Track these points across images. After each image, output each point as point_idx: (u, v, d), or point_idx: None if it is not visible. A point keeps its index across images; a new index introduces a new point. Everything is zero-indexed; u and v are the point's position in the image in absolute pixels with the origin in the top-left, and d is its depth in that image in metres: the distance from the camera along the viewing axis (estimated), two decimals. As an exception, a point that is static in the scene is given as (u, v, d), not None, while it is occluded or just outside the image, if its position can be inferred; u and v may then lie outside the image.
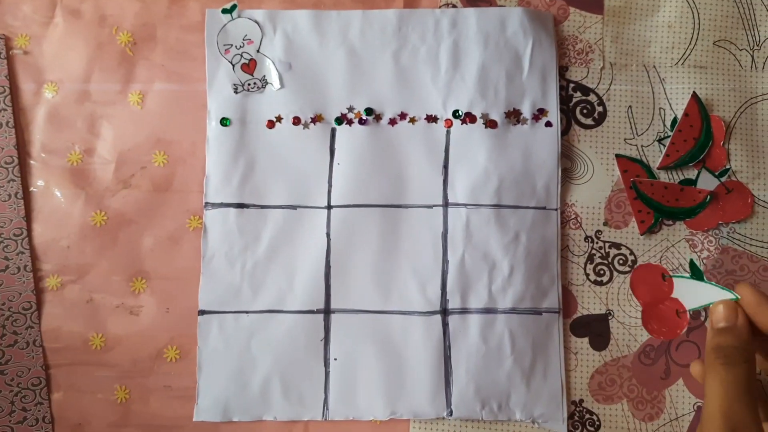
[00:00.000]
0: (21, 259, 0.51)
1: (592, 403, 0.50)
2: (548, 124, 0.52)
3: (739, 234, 0.51)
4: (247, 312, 0.51)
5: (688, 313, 0.44)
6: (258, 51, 0.52)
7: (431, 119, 0.52)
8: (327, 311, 0.51)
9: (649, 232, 0.51)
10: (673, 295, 0.44)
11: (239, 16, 0.52)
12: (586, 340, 0.51)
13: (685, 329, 0.45)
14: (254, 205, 0.51)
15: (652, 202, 0.50)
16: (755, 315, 0.38)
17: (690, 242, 0.51)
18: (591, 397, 0.50)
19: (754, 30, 0.53)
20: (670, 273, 0.45)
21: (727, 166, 0.51)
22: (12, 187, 0.51)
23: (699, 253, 0.51)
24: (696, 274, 0.43)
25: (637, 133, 0.52)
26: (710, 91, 0.52)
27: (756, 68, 0.52)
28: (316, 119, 0.52)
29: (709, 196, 0.50)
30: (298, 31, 0.52)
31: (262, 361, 0.50)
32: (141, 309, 0.51)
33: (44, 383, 0.50)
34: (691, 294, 0.43)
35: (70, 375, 0.51)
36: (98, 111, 0.52)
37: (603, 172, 0.52)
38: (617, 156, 0.51)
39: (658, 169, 0.51)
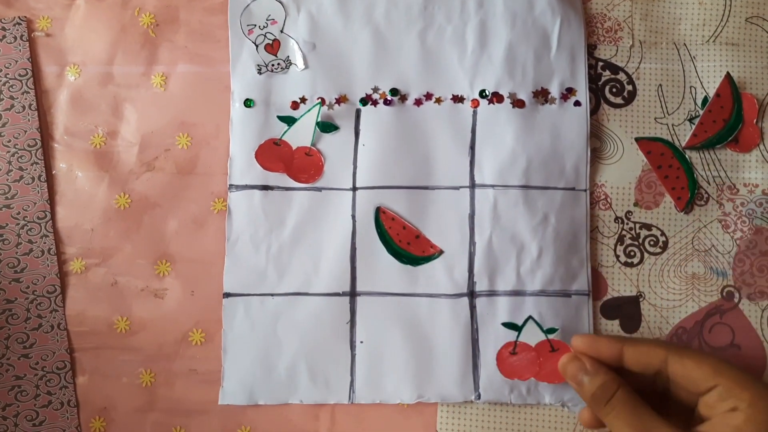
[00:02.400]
0: (45, 243, 0.50)
1: (623, 386, 0.49)
2: (577, 103, 0.51)
3: (774, 214, 0.50)
4: (272, 295, 0.50)
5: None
6: (282, 31, 0.51)
7: (457, 99, 0.51)
8: (353, 294, 0.50)
9: (688, 209, 0.50)
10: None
11: (263, -4, 0.51)
12: (616, 322, 0.50)
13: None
14: (279, 187, 0.51)
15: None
16: (599, 356, 0.43)
17: (723, 222, 0.50)
18: (622, 380, 0.49)
19: (788, 5, 0.51)
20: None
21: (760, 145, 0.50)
22: (35, 170, 0.51)
23: (732, 234, 0.50)
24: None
25: (667, 112, 0.51)
26: (742, 69, 0.51)
27: (790, 45, 0.51)
28: (341, 100, 0.51)
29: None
30: (322, 11, 0.51)
31: (288, 345, 0.50)
32: (166, 292, 0.51)
33: (69, 367, 0.50)
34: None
35: (94, 359, 0.50)
36: (121, 93, 0.52)
37: (633, 151, 0.51)
38: (637, 140, 0.50)
39: (684, 148, 0.50)
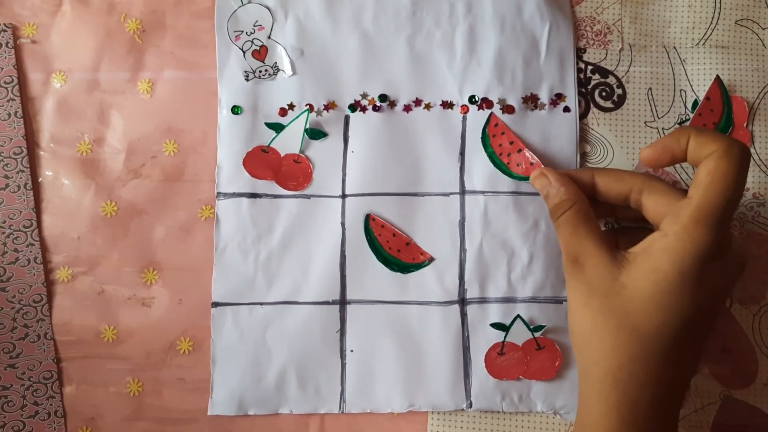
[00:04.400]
0: (31, 251, 0.50)
1: (615, 393, 0.49)
2: (566, 109, 0.50)
3: (765, 218, 0.50)
4: (261, 303, 0.50)
5: None
6: (269, 37, 0.51)
7: (447, 105, 0.51)
8: (343, 302, 0.50)
9: None
10: None
11: (250, 2, 0.51)
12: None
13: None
14: (267, 195, 0.50)
15: None
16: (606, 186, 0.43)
17: (714, 227, 0.50)
18: (614, 387, 0.49)
19: (777, 9, 0.51)
20: None
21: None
22: (21, 178, 0.50)
23: (723, 239, 0.49)
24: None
25: (657, 116, 0.51)
26: (733, 72, 0.51)
27: (780, 48, 0.51)
28: (329, 106, 0.51)
29: None
30: (310, 17, 0.51)
31: (278, 354, 0.49)
32: (153, 300, 0.50)
33: (56, 377, 0.49)
34: None
35: (82, 368, 0.50)
36: (107, 100, 0.51)
37: (623, 155, 0.50)
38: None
39: None
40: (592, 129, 0.51)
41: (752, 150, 0.50)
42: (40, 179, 0.51)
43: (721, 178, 0.35)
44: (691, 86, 0.51)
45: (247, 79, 0.51)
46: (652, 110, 0.51)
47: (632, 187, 0.41)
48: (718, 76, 0.50)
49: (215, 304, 0.50)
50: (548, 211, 0.44)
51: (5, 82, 0.51)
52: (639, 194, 0.41)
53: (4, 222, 0.50)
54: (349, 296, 0.50)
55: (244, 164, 0.50)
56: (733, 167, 0.35)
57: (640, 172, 0.42)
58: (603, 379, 0.37)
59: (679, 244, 0.35)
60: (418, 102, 0.51)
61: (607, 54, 0.51)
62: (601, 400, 0.37)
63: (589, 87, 0.51)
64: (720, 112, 0.50)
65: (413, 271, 0.50)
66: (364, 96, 0.51)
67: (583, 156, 0.50)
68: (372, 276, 0.50)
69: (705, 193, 0.35)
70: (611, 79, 0.51)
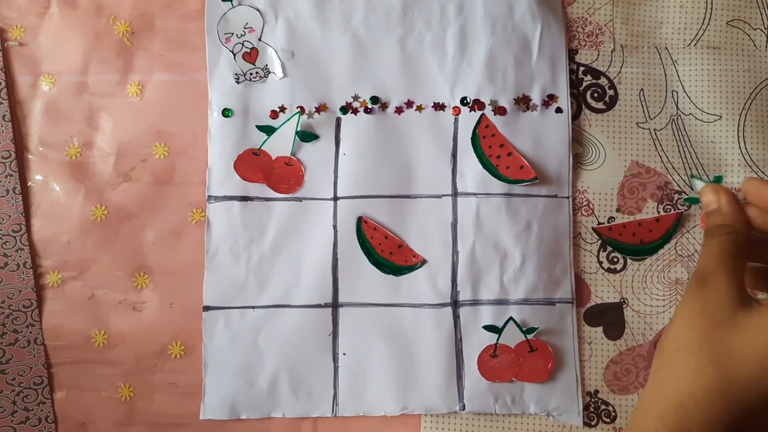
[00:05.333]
0: (20, 256, 0.49)
1: (607, 394, 0.49)
2: (558, 110, 0.50)
3: (757, 219, 0.50)
4: (253, 307, 0.49)
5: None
6: (260, 39, 0.51)
7: (438, 107, 0.51)
8: (335, 305, 0.49)
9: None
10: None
11: (240, 4, 0.51)
12: (600, 329, 0.49)
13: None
14: (258, 198, 0.50)
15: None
16: (758, 199, 0.38)
17: (706, 228, 0.50)
18: (606, 388, 0.49)
19: (768, 9, 0.51)
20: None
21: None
22: (10, 182, 0.50)
23: (715, 239, 0.50)
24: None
25: (649, 117, 0.51)
26: (724, 73, 0.51)
27: (771, 48, 0.51)
28: (321, 109, 0.51)
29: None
30: (300, 19, 0.51)
31: (270, 357, 0.49)
32: (144, 305, 0.50)
33: (46, 382, 0.49)
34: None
35: (72, 373, 0.49)
36: (97, 103, 0.51)
37: (615, 157, 0.50)
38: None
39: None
40: (584, 130, 0.51)
41: (743, 150, 0.50)
42: (29, 183, 0.50)
43: None
44: (683, 87, 0.51)
45: (237, 82, 0.51)
46: (644, 111, 0.51)
47: None
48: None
49: (207, 308, 0.49)
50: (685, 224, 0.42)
51: (-7, 86, 0.50)
52: None
53: (-7, 226, 0.49)
54: (341, 299, 0.49)
55: (235, 167, 0.50)
56: None
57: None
58: (669, 398, 0.36)
59: None
60: (409, 104, 0.51)
61: (598, 55, 0.51)
62: (658, 417, 0.36)
63: (581, 88, 0.51)
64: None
65: (405, 273, 0.50)
66: (356, 98, 0.51)
67: (576, 157, 0.50)
68: (364, 279, 0.49)
69: None
70: (603, 80, 0.51)
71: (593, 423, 0.49)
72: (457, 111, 0.50)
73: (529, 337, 0.48)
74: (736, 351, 0.34)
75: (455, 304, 0.49)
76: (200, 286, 0.49)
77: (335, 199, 0.50)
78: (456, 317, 0.49)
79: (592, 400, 0.49)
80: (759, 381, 0.33)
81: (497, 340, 0.48)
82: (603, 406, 0.49)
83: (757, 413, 0.34)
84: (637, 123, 0.51)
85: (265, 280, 0.49)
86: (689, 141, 0.50)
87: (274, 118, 0.50)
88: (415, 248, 0.50)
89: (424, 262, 0.49)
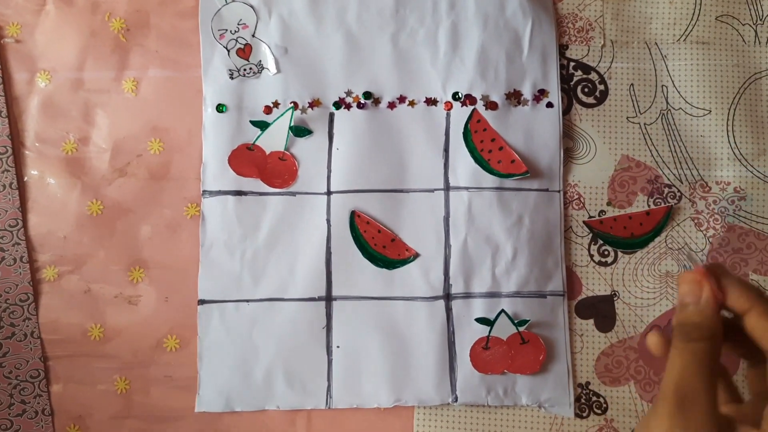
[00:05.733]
0: (17, 251, 0.50)
1: (598, 386, 0.49)
2: (549, 105, 0.51)
3: (746, 212, 0.50)
4: (247, 301, 0.50)
5: None
6: (253, 36, 0.51)
7: (431, 102, 0.51)
8: (329, 298, 0.50)
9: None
10: None
11: (234, 1, 0.51)
12: (591, 321, 0.50)
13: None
14: (253, 192, 0.50)
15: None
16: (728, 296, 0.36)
17: (695, 221, 0.50)
18: (597, 380, 0.49)
19: (757, 4, 0.52)
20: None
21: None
22: (6, 178, 0.50)
23: (705, 232, 0.50)
24: None
25: (639, 111, 0.51)
26: (713, 68, 0.51)
27: (759, 43, 0.52)
28: (314, 104, 0.51)
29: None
30: (293, 15, 0.51)
31: (264, 350, 0.49)
32: (140, 299, 0.50)
33: (43, 375, 0.50)
34: None
35: (69, 366, 0.50)
36: (92, 99, 0.51)
37: (605, 151, 0.51)
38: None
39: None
40: (575, 124, 0.51)
41: (733, 144, 0.50)
42: (25, 178, 0.51)
43: None
44: (673, 82, 0.51)
45: (231, 78, 0.51)
46: (634, 106, 0.51)
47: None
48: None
49: (202, 302, 0.50)
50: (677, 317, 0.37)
51: (-10, 82, 0.51)
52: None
53: (-10, 221, 0.50)
54: (335, 293, 0.50)
55: (229, 162, 0.50)
56: None
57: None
58: None
59: None
60: (402, 99, 0.51)
61: (589, 50, 0.52)
62: None
63: (572, 83, 0.51)
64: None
65: (399, 267, 0.50)
66: (349, 93, 0.51)
67: (566, 151, 0.51)
68: (358, 272, 0.50)
69: None
70: (593, 75, 0.52)
71: (584, 414, 0.49)
72: (449, 106, 0.51)
73: (521, 329, 0.49)
74: None
75: (448, 297, 0.50)
76: (195, 280, 0.50)
77: (329, 193, 0.50)
78: (448, 310, 0.50)
79: (584, 391, 0.49)
80: None
81: (489, 332, 0.49)
82: (594, 398, 0.49)
83: None
84: (627, 117, 0.51)
85: (260, 274, 0.50)
86: (679, 135, 0.51)
87: (267, 114, 0.51)
88: (407, 242, 0.50)
89: (416, 255, 0.50)
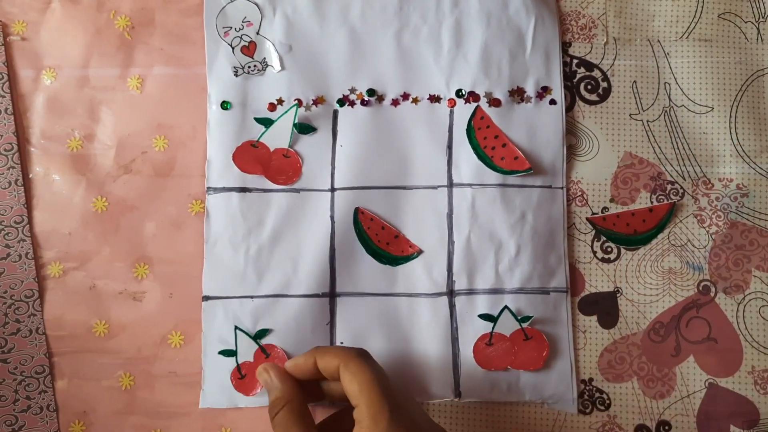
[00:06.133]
0: (22, 247, 0.50)
1: (602, 382, 0.49)
2: (552, 102, 0.51)
3: (749, 208, 0.50)
4: (251, 297, 0.50)
5: None
6: (258, 33, 0.51)
7: (434, 99, 0.51)
8: (332, 295, 0.50)
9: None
10: None
11: (238, -2, 0.51)
12: (594, 318, 0.50)
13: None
14: (257, 189, 0.51)
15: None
16: (299, 370, 0.43)
17: (698, 217, 0.50)
18: (601, 376, 0.49)
19: (759, 1, 0.52)
20: None
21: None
22: (12, 175, 0.50)
23: (707, 228, 0.50)
24: None
25: (642, 108, 0.51)
26: (716, 65, 0.51)
27: (762, 41, 0.52)
28: (318, 101, 0.51)
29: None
30: (298, 13, 0.52)
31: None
32: (144, 295, 0.51)
33: (48, 371, 0.50)
34: None
35: (74, 362, 0.50)
36: (97, 96, 0.52)
37: (608, 148, 0.51)
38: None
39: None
40: (578, 122, 0.51)
41: (735, 141, 0.51)
42: (30, 175, 0.51)
43: (363, 384, 0.39)
44: (675, 79, 0.51)
45: (236, 75, 0.51)
46: (636, 103, 0.51)
47: (336, 362, 0.41)
48: None
49: (206, 298, 0.50)
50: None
51: (-5, 79, 0.51)
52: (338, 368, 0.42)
53: (-4, 218, 0.50)
54: (338, 289, 0.50)
55: (233, 159, 0.50)
56: (360, 371, 0.39)
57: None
58: None
59: None
60: (405, 96, 0.51)
61: (592, 47, 0.52)
62: None
63: (575, 80, 0.52)
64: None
65: (402, 263, 0.50)
66: (353, 91, 0.51)
67: (569, 148, 0.51)
68: (361, 269, 0.50)
69: (365, 395, 0.38)
70: (596, 73, 0.52)
71: (588, 411, 0.49)
72: (452, 103, 0.51)
73: (524, 325, 0.49)
74: None
75: (451, 293, 0.50)
76: (200, 276, 0.50)
77: (332, 190, 0.51)
78: (452, 306, 0.50)
79: (587, 388, 0.49)
80: None
81: (492, 328, 0.49)
82: (597, 394, 0.49)
83: None
84: (630, 114, 0.51)
85: (264, 271, 0.50)
86: (682, 132, 0.51)
87: (272, 111, 0.51)
88: (411, 238, 0.50)
89: (420, 252, 0.50)
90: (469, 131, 0.50)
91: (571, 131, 0.51)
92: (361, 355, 0.41)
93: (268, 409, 0.43)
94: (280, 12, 0.52)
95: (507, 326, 0.49)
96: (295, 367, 0.43)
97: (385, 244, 0.50)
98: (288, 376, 0.43)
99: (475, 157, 0.50)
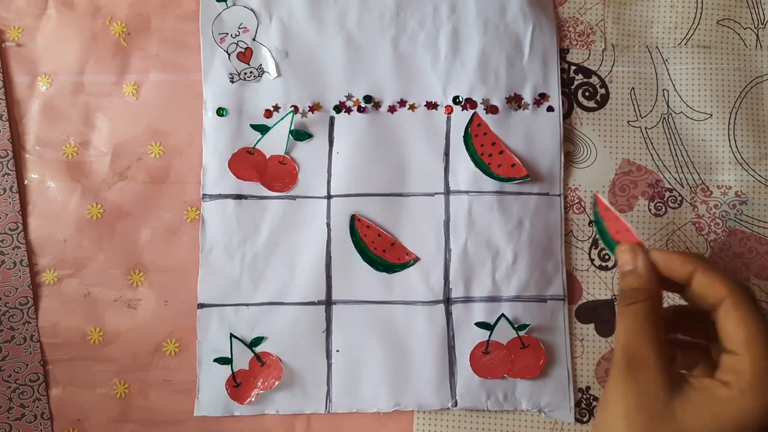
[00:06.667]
0: (17, 254, 0.50)
1: (599, 390, 0.49)
2: (550, 108, 0.51)
3: (747, 216, 0.50)
4: (247, 305, 0.50)
5: None
6: (254, 39, 0.51)
7: (431, 106, 0.51)
8: (328, 302, 0.50)
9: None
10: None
11: (234, 4, 0.51)
12: (591, 326, 0.50)
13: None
14: (253, 196, 0.50)
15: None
16: (667, 268, 0.38)
17: (697, 225, 0.50)
18: (598, 384, 0.49)
19: (758, 8, 0.52)
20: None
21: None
22: (7, 181, 0.50)
23: (706, 236, 0.50)
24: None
25: (640, 115, 0.51)
26: (714, 71, 0.51)
27: (761, 47, 0.51)
28: (315, 108, 0.51)
29: None
30: (294, 19, 0.51)
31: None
32: (139, 302, 0.50)
33: (42, 379, 0.50)
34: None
35: (68, 370, 0.50)
36: (93, 103, 0.51)
37: (606, 155, 0.51)
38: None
39: None
40: (576, 128, 0.51)
41: (733, 148, 0.50)
42: (26, 182, 0.51)
43: (753, 335, 0.34)
44: (674, 85, 0.51)
45: (232, 81, 0.51)
46: (635, 109, 0.51)
47: (723, 292, 0.36)
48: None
49: (201, 306, 0.50)
50: (619, 290, 0.39)
51: (-9, 86, 0.51)
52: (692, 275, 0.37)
53: (-9, 225, 0.50)
54: (334, 296, 0.50)
55: (229, 166, 0.50)
56: (752, 318, 0.35)
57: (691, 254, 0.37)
58: None
59: (745, 401, 0.34)
60: (402, 103, 0.51)
61: (590, 54, 0.52)
62: None
63: (573, 87, 0.51)
64: None
65: (399, 271, 0.50)
66: (349, 97, 0.51)
67: (567, 155, 0.51)
68: (357, 276, 0.50)
69: (752, 350, 0.34)
70: (594, 79, 0.51)
71: (585, 419, 0.49)
72: (449, 110, 0.51)
73: (521, 333, 0.48)
74: None
75: (448, 301, 0.49)
76: (195, 283, 0.50)
77: (329, 197, 0.50)
78: (448, 314, 0.49)
79: (584, 396, 0.49)
80: None
81: (489, 336, 0.49)
82: (594, 403, 0.49)
83: None
84: (628, 121, 0.51)
85: (260, 278, 0.50)
86: (680, 139, 0.51)
87: (268, 117, 0.51)
88: (408, 246, 0.50)
89: (416, 259, 0.50)
90: (467, 138, 0.50)
91: (569, 138, 0.51)
92: (754, 299, 0.36)
93: (620, 294, 0.38)
94: (276, 18, 0.51)
95: (504, 334, 0.49)
96: (666, 263, 0.37)
97: (381, 252, 0.50)
98: (655, 270, 0.38)
99: (472, 164, 0.50)
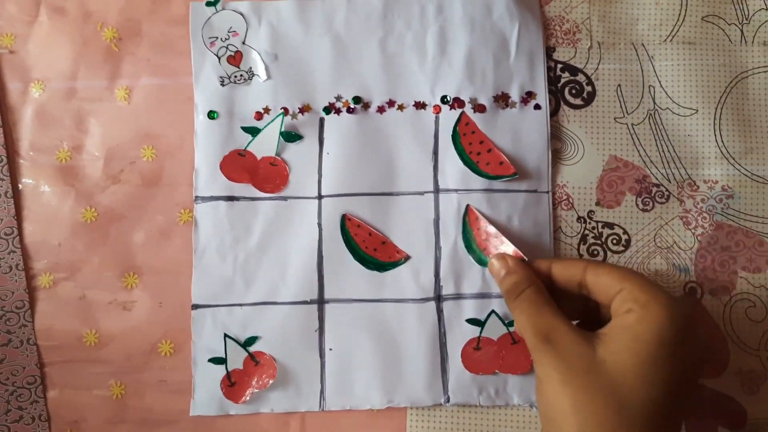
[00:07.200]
0: (12, 258, 0.50)
1: (589, 385, 0.49)
2: (537, 107, 0.51)
3: (734, 210, 0.50)
4: (240, 305, 0.50)
5: None
6: (243, 43, 0.52)
7: (420, 106, 0.52)
8: (321, 301, 0.50)
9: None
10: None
11: (223, 9, 0.52)
12: (579, 321, 0.50)
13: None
14: (244, 198, 0.51)
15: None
16: (561, 275, 0.43)
17: (684, 219, 0.50)
18: (588, 379, 0.49)
19: (742, 4, 0.52)
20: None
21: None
22: (1, 187, 0.51)
23: (693, 230, 0.50)
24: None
25: (627, 112, 0.52)
26: (700, 67, 0.51)
27: (746, 42, 0.52)
28: (304, 109, 0.52)
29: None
30: (283, 21, 0.52)
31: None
32: (134, 304, 0.51)
33: (39, 381, 0.50)
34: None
35: (64, 372, 0.50)
36: (85, 108, 0.52)
37: (593, 151, 0.51)
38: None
39: None
40: (563, 126, 0.52)
41: (720, 142, 0.51)
42: (20, 187, 0.52)
43: (625, 271, 0.39)
44: (660, 82, 0.52)
45: (222, 85, 0.52)
46: (621, 106, 0.52)
47: (580, 269, 0.41)
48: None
49: (195, 306, 0.50)
50: (503, 289, 0.44)
51: (-16, 92, 0.51)
52: (584, 275, 0.41)
53: (-14, 230, 0.51)
54: (326, 295, 0.50)
55: (221, 168, 0.51)
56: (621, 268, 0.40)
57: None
58: None
59: (654, 314, 0.36)
60: (391, 103, 0.52)
61: (576, 52, 0.52)
62: None
63: (559, 85, 0.52)
64: None
65: (389, 269, 0.50)
66: (338, 98, 0.52)
67: (555, 152, 0.51)
68: (349, 275, 0.50)
69: (636, 279, 0.39)
70: (581, 77, 0.52)
71: (576, 413, 0.49)
72: (437, 109, 0.51)
73: (512, 329, 0.49)
74: (619, 383, 0.36)
75: (438, 298, 0.50)
76: (189, 285, 0.50)
77: (320, 197, 0.51)
78: (439, 311, 0.50)
79: (575, 391, 0.49)
80: (650, 386, 0.36)
81: (480, 333, 0.49)
82: (585, 397, 0.49)
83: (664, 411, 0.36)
84: (614, 118, 0.52)
85: (252, 278, 0.50)
86: (666, 135, 0.51)
87: (258, 120, 0.51)
88: (398, 244, 0.50)
89: (407, 258, 0.50)
90: (455, 137, 0.51)
91: (556, 135, 0.51)
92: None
93: (506, 294, 0.42)
94: (265, 21, 0.52)
95: (494, 330, 0.49)
96: (560, 270, 0.42)
97: (372, 250, 0.50)
98: (526, 265, 0.43)
99: (460, 162, 0.50)
